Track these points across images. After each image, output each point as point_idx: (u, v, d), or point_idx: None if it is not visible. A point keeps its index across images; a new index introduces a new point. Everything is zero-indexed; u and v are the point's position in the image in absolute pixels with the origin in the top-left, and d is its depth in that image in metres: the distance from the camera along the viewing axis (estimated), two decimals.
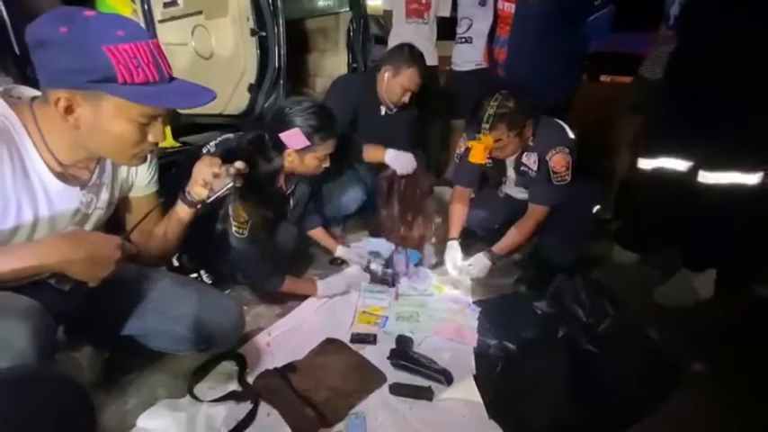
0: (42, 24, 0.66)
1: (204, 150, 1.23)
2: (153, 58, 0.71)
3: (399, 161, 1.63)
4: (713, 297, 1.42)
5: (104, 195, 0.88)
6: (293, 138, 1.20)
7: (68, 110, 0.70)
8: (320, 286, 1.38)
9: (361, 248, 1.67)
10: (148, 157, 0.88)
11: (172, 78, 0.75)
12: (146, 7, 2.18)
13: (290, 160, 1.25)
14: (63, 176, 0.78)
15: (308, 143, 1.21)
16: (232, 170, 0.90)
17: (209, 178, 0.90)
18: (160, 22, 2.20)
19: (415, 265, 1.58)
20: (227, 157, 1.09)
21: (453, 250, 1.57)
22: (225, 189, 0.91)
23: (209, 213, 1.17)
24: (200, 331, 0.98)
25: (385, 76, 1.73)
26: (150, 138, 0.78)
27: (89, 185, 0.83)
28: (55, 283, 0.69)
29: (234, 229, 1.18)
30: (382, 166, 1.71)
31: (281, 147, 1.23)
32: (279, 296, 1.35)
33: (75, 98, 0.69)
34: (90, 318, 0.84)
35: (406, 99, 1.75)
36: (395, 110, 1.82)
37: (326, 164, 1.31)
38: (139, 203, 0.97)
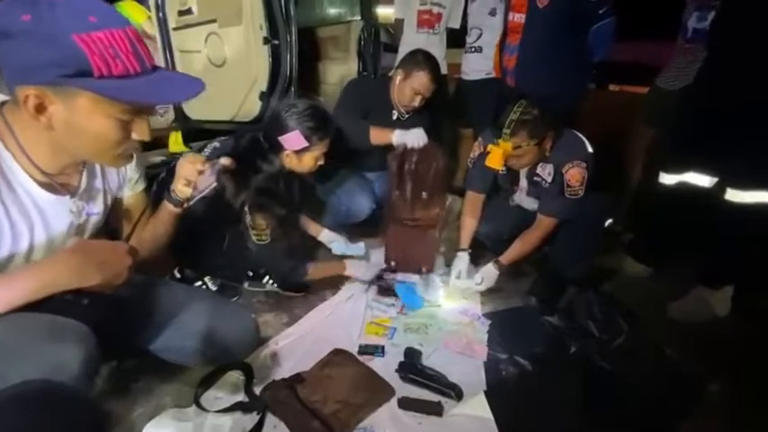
0: (1, 12, 0.58)
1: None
2: (132, 46, 0.62)
3: (409, 136, 1.59)
4: (730, 314, 1.39)
5: (99, 200, 0.84)
6: (293, 140, 1.22)
7: (39, 108, 0.62)
8: (349, 265, 1.44)
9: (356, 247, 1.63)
10: (134, 156, 0.81)
11: (155, 68, 0.67)
12: (161, 15, 2.23)
13: (288, 161, 1.28)
14: (51, 187, 0.73)
15: (306, 144, 1.23)
16: (217, 167, 0.87)
17: (193, 176, 0.86)
18: (174, 29, 2.24)
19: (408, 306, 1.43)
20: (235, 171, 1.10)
21: (461, 261, 1.55)
22: (208, 188, 0.88)
23: (210, 219, 1.17)
24: (215, 346, 0.97)
25: (397, 78, 1.74)
26: (134, 135, 0.71)
27: (79, 192, 0.79)
28: (73, 297, 0.67)
29: (254, 238, 1.20)
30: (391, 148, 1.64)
31: (278, 149, 1.25)
32: (309, 284, 1.41)
33: (45, 95, 0.61)
34: (105, 332, 0.83)
35: (416, 103, 1.74)
36: (407, 115, 1.81)
37: (321, 161, 1.33)
38: (129, 202, 0.94)
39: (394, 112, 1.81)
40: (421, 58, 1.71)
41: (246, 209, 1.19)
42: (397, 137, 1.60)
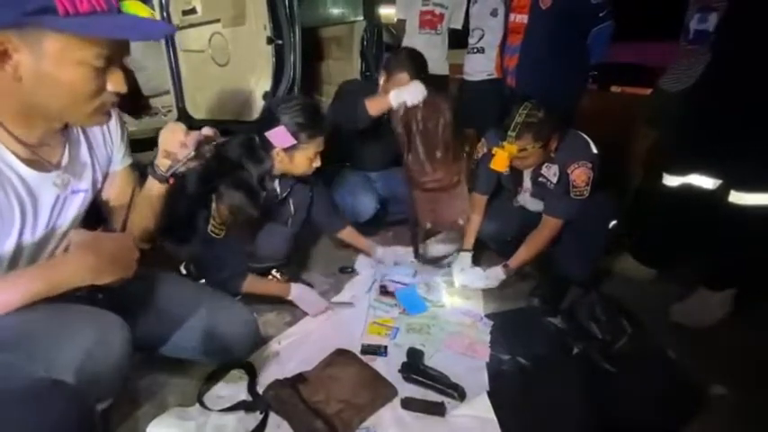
0: None
1: None
2: None
3: (407, 93, 1.48)
4: (732, 316, 1.39)
5: (86, 176, 0.81)
6: (278, 136, 1.17)
7: (3, 56, 0.58)
8: (294, 290, 1.33)
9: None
10: (113, 115, 0.77)
11: (120, 12, 0.64)
12: (165, 15, 2.24)
13: (279, 160, 1.23)
14: (34, 163, 0.70)
15: (293, 141, 1.17)
16: (198, 137, 0.82)
17: (174, 148, 0.81)
18: (178, 29, 2.25)
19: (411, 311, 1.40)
20: (218, 160, 1.07)
21: (464, 261, 1.55)
22: (186, 158, 0.82)
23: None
24: (215, 344, 0.97)
25: (381, 80, 1.71)
26: (109, 87, 0.67)
27: (63, 165, 0.76)
28: (87, 294, 0.69)
29: (210, 227, 1.15)
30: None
31: (269, 147, 1.20)
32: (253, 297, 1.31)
33: (9, 39, 0.57)
34: None
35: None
36: None
37: (317, 163, 1.29)
38: (118, 178, 0.90)
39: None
40: (403, 58, 1.65)
41: (214, 196, 1.15)
42: (395, 96, 1.49)
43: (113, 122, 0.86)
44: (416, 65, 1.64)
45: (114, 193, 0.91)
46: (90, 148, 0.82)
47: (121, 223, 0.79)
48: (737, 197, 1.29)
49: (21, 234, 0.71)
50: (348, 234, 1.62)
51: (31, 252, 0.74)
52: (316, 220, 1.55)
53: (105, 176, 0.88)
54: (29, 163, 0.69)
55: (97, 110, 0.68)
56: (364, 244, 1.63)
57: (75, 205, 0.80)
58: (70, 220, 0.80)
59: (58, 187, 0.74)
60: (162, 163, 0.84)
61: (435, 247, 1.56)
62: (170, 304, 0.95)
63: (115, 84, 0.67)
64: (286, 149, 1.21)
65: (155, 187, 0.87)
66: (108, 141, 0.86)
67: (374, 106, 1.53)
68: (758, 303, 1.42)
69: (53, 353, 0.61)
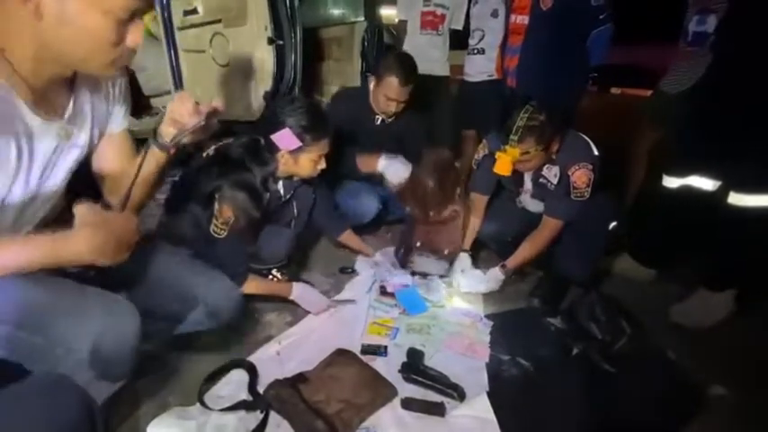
0: None
1: (204, 155, 1.21)
2: None
3: (392, 169, 1.60)
4: (732, 316, 1.39)
5: (85, 129, 0.79)
6: (284, 138, 1.16)
7: None
8: (296, 289, 1.32)
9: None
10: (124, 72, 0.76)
11: None
12: (166, 15, 2.24)
13: (283, 162, 1.23)
14: (42, 110, 0.69)
15: (299, 144, 1.17)
16: (207, 108, 0.81)
17: (183, 117, 0.79)
18: (179, 29, 2.26)
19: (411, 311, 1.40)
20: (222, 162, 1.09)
21: (463, 262, 1.56)
22: (194, 127, 0.80)
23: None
24: (203, 312, 0.98)
25: (371, 85, 1.72)
26: (128, 41, 0.66)
27: (67, 117, 0.74)
28: (78, 270, 0.70)
29: (212, 227, 1.16)
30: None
31: (274, 149, 1.19)
32: (254, 296, 1.30)
33: None
34: None
35: (392, 109, 1.70)
36: (390, 119, 1.78)
37: (322, 165, 1.28)
38: (117, 142, 0.87)
39: (377, 117, 1.78)
40: (392, 62, 1.65)
41: (217, 195, 1.15)
42: (382, 164, 1.63)
43: (120, 79, 0.84)
44: (405, 69, 1.65)
45: (113, 158, 0.88)
46: (92, 101, 0.80)
47: (122, 202, 0.76)
48: (737, 198, 1.29)
49: (13, 182, 0.68)
50: (349, 238, 1.63)
51: (14, 212, 0.72)
52: (316, 222, 1.56)
53: (101, 135, 0.85)
54: (35, 108, 0.68)
55: (113, 62, 0.68)
56: (363, 247, 1.64)
57: (69, 160, 0.78)
58: (60, 179, 0.78)
59: (60, 138, 0.73)
60: (166, 132, 0.81)
61: (421, 262, 1.60)
62: (159, 278, 0.94)
63: (134, 38, 0.66)
64: (291, 152, 1.21)
65: (156, 157, 0.84)
66: (110, 97, 0.84)
67: (364, 165, 1.69)
68: (758, 303, 1.42)
69: (69, 333, 0.62)
